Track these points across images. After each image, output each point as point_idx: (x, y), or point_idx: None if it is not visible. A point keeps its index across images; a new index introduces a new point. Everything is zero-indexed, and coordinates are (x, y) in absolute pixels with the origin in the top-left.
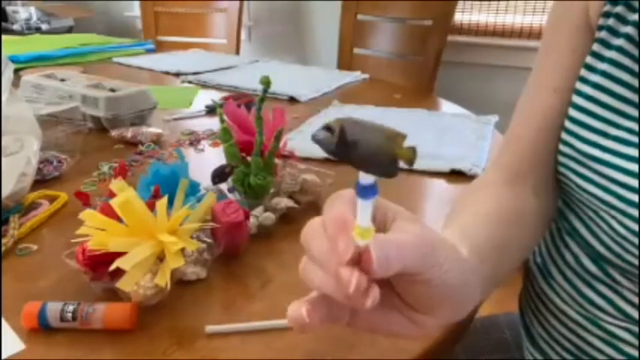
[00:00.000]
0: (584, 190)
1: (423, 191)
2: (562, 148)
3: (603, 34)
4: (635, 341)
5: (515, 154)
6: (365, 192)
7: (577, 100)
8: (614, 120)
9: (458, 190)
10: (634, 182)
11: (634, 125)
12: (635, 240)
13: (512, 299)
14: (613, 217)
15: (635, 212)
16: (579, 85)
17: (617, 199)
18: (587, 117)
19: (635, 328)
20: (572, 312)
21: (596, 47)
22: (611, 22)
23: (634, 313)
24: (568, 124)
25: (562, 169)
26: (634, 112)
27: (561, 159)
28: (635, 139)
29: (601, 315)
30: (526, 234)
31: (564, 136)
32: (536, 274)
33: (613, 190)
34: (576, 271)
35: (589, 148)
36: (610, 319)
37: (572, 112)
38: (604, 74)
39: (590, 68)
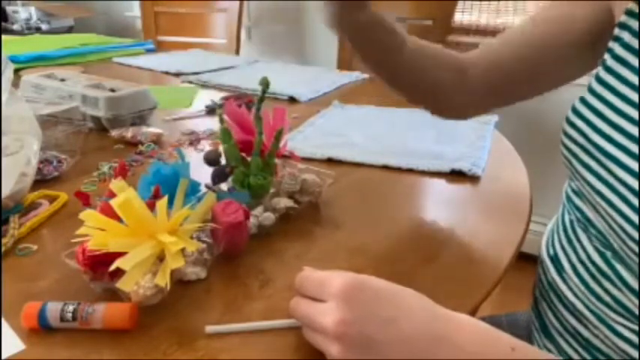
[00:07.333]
0: (588, 183)
1: (423, 191)
2: (571, 132)
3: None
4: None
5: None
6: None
7: (595, 86)
8: (631, 115)
9: (458, 190)
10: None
11: None
12: (635, 235)
13: (513, 300)
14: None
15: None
16: (602, 73)
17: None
18: (602, 105)
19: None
20: (582, 306)
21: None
22: None
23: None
24: (579, 105)
25: (567, 154)
26: None
27: (569, 144)
28: None
29: (608, 312)
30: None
31: (574, 119)
32: (549, 266)
33: (616, 189)
34: (586, 266)
35: (601, 140)
36: (617, 318)
37: (588, 96)
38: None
39: (621, 59)
